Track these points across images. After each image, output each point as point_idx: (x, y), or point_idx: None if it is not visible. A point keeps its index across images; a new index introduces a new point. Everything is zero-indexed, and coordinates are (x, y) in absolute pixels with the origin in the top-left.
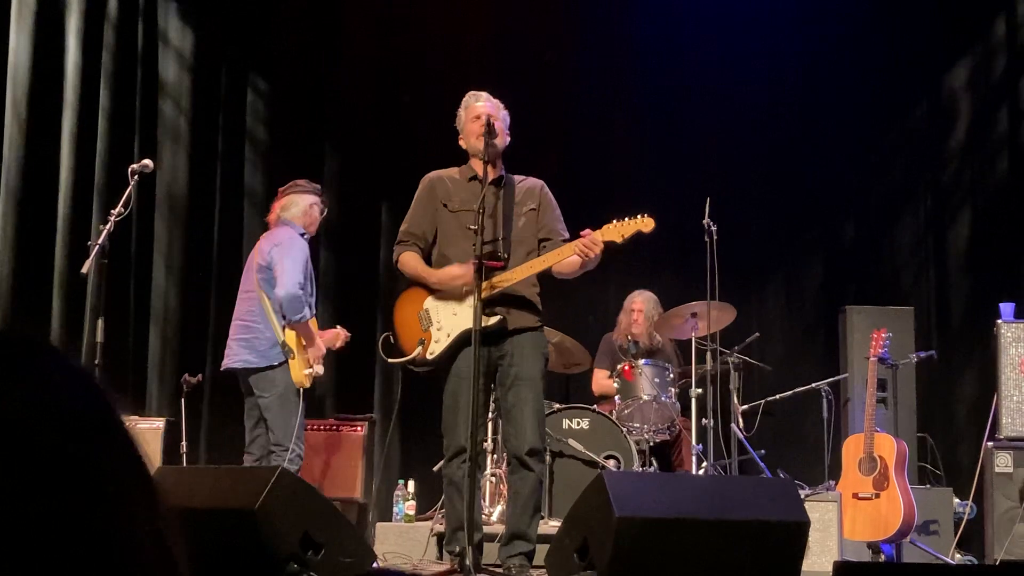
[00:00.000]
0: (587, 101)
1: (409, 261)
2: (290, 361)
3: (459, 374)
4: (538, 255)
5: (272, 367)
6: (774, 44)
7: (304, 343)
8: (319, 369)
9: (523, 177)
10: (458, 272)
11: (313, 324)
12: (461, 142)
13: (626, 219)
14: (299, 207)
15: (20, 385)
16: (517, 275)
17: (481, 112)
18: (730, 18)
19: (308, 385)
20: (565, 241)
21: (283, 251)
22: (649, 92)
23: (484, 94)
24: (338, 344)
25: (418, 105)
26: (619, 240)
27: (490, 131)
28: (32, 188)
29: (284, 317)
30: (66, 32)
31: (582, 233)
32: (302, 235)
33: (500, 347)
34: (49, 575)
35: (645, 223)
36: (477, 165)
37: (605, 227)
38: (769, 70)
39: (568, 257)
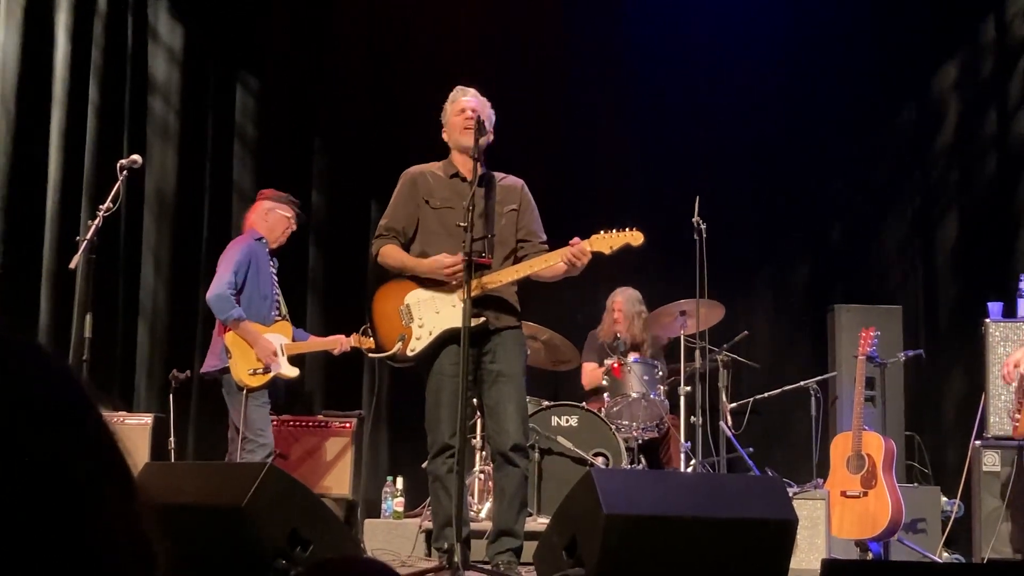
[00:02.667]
0: (577, 100)
1: (392, 253)
2: (229, 361)
3: (442, 372)
4: (516, 256)
5: (226, 368)
6: (764, 44)
7: (249, 343)
8: (279, 369)
9: (503, 175)
10: (449, 261)
11: (283, 328)
12: (444, 135)
13: (614, 231)
14: (258, 213)
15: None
16: (505, 277)
17: (467, 106)
18: (720, 18)
19: (253, 384)
20: (543, 243)
21: (223, 256)
22: (639, 91)
23: (472, 90)
24: (336, 351)
25: (408, 102)
26: (607, 251)
27: (480, 127)
28: (20, 183)
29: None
30: (55, 27)
31: (571, 242)
32: (259, 240)
33: (483, 346)
34: (25, 570)
35: (634, 236)
36: (458, 160)
37: (594, 237)
38: (758, 70)
39: (554, 264)
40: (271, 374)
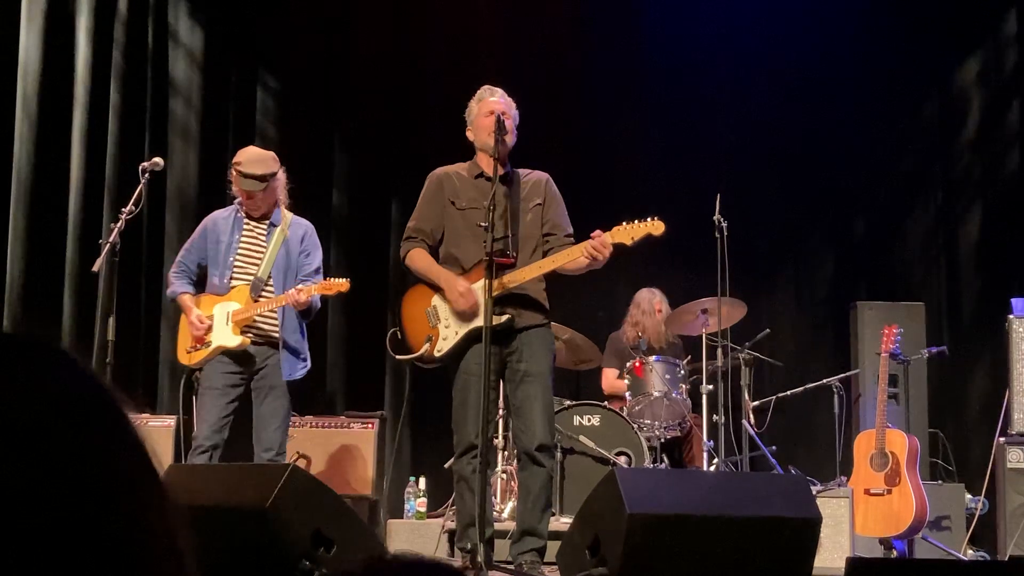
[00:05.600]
0: (597, 98)
1: (418, 258)
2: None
3: (468, 371)
4: (543, 250)
5: None
6: (784, 39)
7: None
8: (219, 341)
9: (528, 171)
10: (462, 288)
11: (238, 294)
12: (469, 133)
13: (636, 222)
14: None
15: (30, 386)
16: (527, 274)
17: (495, 108)
18: (739, 13)
19: (188, 363)
20: (568, 236)
21: None
22: (659, 88)
23: (499, 91)
24: (295, 304)
25: (428, 100)
26: (629, 243)
27: (500, 127)
28: (43, 186)
29: None
30: (76, 30)
31: (592, 235)
32: (236, 203)
33: (509, 344)
34: (59, 573)
35: (655, 226)
36: (483, 160)
37: (615, 229)
38: (779, 65)
39: (576, 258)
40: (208, 349)
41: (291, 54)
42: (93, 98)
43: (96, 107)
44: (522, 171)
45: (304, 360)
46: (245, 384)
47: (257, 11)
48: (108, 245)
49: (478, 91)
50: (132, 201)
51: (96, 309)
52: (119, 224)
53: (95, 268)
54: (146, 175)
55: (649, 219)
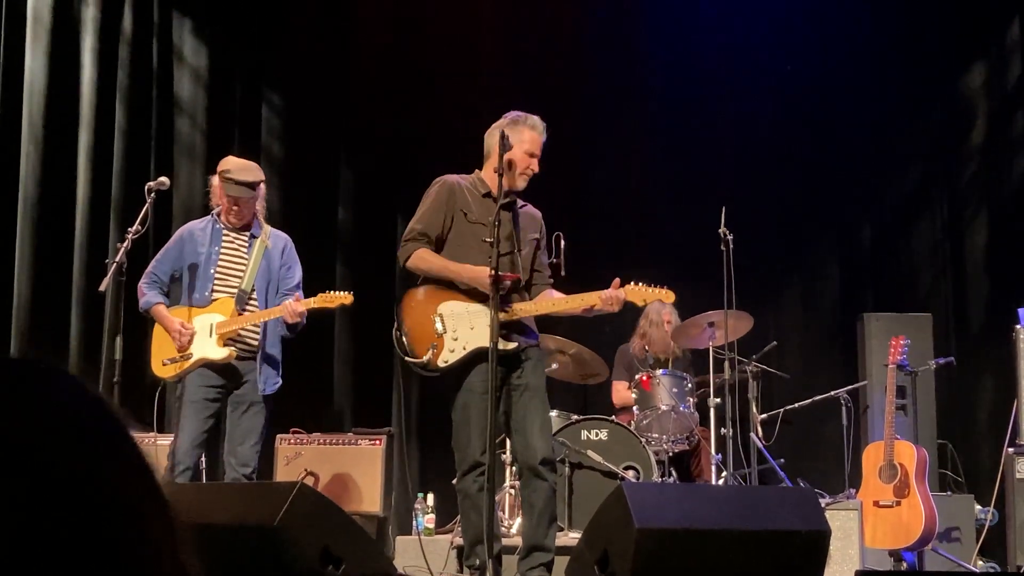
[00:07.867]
0: (599, 108)
1: (429, 256)
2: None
3: (471, 388)
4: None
5: None
6: (788, 49)
7: (165, 329)
8: (202, 353)
9: (523, 202)
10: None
11: (222, 306)
12: (494, 145)
13: (651, 288)
14: None
15: (36, 408)
16: (541, 310)
17: (538, 151)
18: (743, 24)
19: (165, 375)
20: (550, 278)
21: None
22: (663, 100)
23: (545, 130)
24: (289, 318)
25: (432, 116)
26: (639, 303)
27: (504, 144)
28: (49, 206)
29: None
30: (81, 50)
31: (613, 284)
32: (214, 214)
33: (511, 366)
34: None
35: (667, 295)
36: (491, 179)
37: (629, 288)
38: (783, 75)
39: (588, 303)
40: (189, 361)
41: (295, 72)
42: (99, 118)
43: (102, 127)
44: (518, 200)
45: (279, 375)
46: (223, 398)
47: (261, 29)
48: (115, 265)
49: (535, 116)
50: (138, 220)
51: (103, 329)
52: (125, 244)
53: (102, 288)
54: (152, 194)
55: (663, 288)
